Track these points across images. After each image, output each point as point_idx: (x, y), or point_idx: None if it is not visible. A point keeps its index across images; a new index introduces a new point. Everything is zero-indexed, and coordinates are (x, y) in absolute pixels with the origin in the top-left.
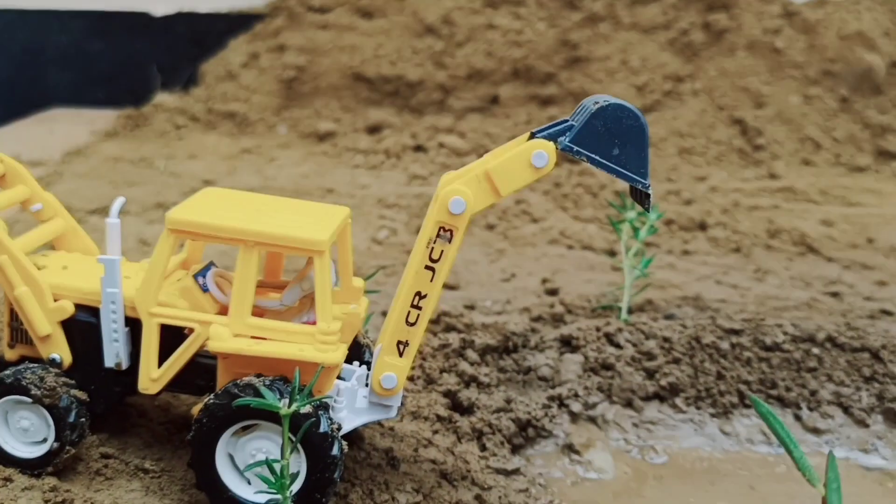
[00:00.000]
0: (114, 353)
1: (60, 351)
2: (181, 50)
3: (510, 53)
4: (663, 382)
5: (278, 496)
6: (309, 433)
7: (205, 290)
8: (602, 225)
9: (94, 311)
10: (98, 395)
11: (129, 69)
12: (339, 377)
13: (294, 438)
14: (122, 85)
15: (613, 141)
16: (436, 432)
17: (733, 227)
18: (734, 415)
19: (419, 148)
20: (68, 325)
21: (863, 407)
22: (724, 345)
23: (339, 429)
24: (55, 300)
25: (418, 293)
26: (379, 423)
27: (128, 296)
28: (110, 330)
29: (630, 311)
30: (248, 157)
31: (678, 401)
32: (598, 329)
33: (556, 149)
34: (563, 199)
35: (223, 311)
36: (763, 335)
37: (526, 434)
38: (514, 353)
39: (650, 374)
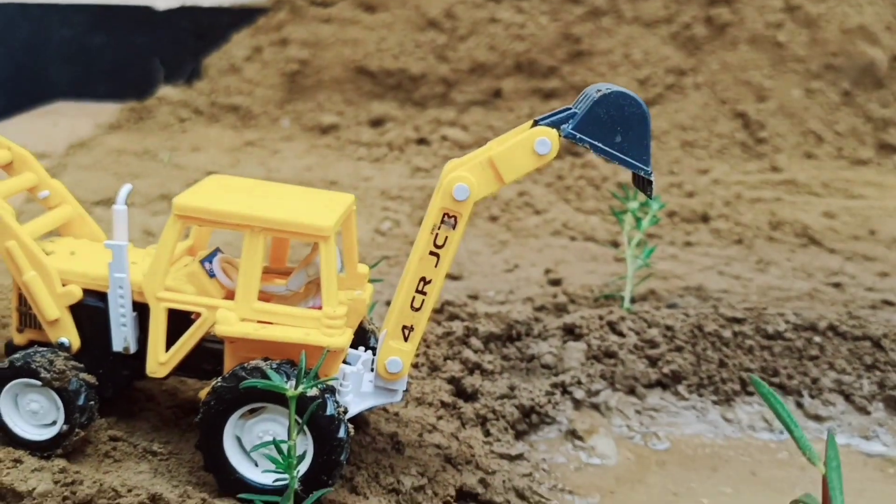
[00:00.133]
0: (122, 337)
1: (69, 335)
2: (184, 44)
3: (513, 47)
4: (666, 370)
5: (286, 476)
6: (316, 416)
7: (211, 275)
8: (604, 216)
9: (102, 296)
10: (106, 379)
11: (132, 63)
12: (344, 362)
13: (301, 420)
14: (124, 79)
15: (616, 128)
16: (440, 418)
17: (735, 219)
18: (736, 402)
19: (422, 141)
20: (76, 310)
21: (864, 394)
22: (727, 333)
23: (346, 412)
24: (63, 285)
25: (423, 279)
26: (384, 409)
27: (135, 281)
28: (118, 314)
29: (633, 301)
30: (251, 150)
31: (680, 388)
32: (601, 318)
33: (559, 136)
34: (566, 191)
35: (229, 296)
36: (765, 324)
37: (529, 420)
38: (517, 342)
39: (653, 362)
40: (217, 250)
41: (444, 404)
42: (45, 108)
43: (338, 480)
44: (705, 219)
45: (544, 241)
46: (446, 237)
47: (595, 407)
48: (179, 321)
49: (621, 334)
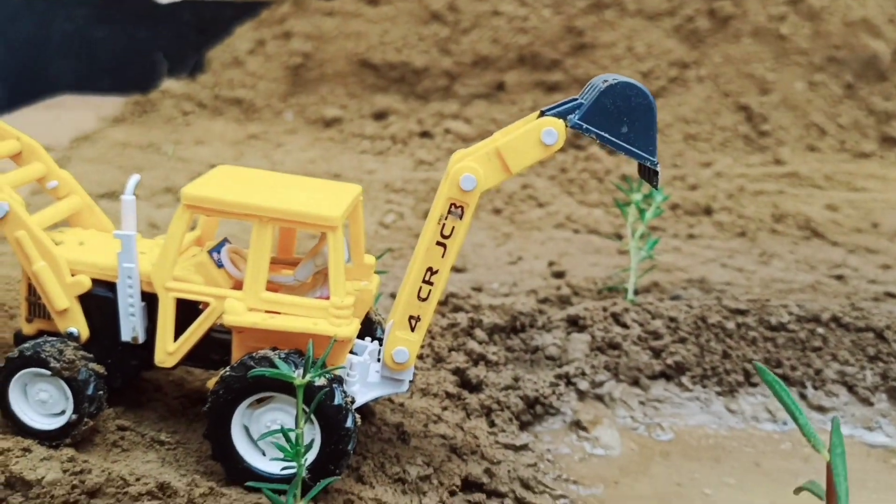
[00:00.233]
0: (130, 327)
1: (78, 325)
2: (187, 37)
3: (516, 40)
4: (669, 361)
5: (293, 465)
6: (323, 405)
7: (219, 265)
8: (608, 209)
9: (111, 286)
10: (115, 369)
11: (135, 56)
12: (351, 352)
13: (308, 410)
14: (128, 72)
15: (622, 119)
16: (445, 409)
17: (738, 211)
18: (740, 393)
19: (425, 134)
20: (85, 300)
21: (867, 385)
22: (730, 324)
23: (353, 402)
24: (72, 275)
25: (430, 269)
26: (389, 399)
27: (144, 271)
28: (127, 304)
29: (636, 293)
30: (254, 143)
31: (684, 379)
32: (604, 309)
33: (566, 126)
34: (569, 184)
35: (237, 286)
36: (768, 315)
37: (534, 411)
38: (521, 333)
39: (656, 353)
40: (225, 240)
41: (449, 395)
42: (49, 101)
43: (345, 470)
44: (708, 211)
45: (548, 233)
46: (453, 227)
47: (599, 398)
48: (188, 311)
49: (625, 326)
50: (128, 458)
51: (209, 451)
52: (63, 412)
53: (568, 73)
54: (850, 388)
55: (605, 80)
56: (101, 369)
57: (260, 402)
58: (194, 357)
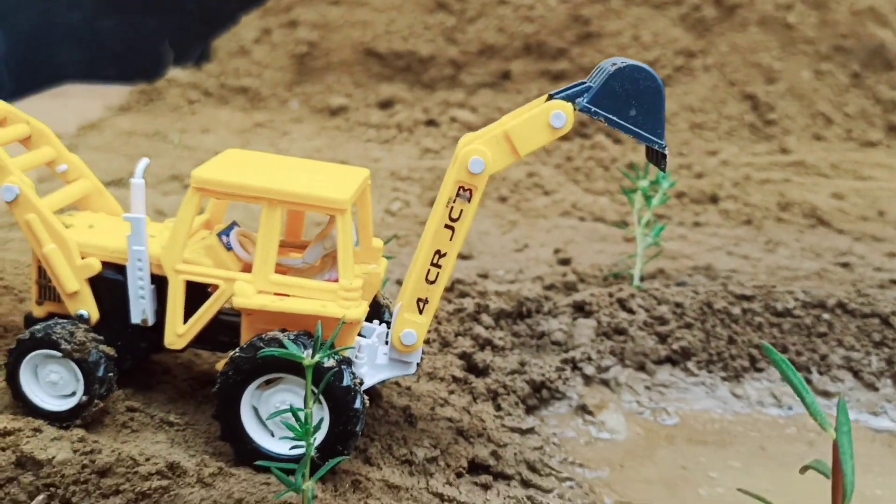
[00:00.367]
0: (140, 309)
1: (88, 307)
2: (193, 26)
3: (522, 29)
4: (675, 346)
5: (302, 444)
6: (332, 386)
7: (228, 248)
8: (613, 197)
9: (121, 269)
10: (125, 351)
11: (141, 45)
12: (359, 335)
13: (317, 391)
14: (134, 61)
15: (630, 102)
16: (452, 392)
17: (744, 199)
18: (745, 378)
19: (431, 122)
20: (95, 283)
21: (872, 371)
22: (736, 310)
23: (362, 383)
24: (82, 258)
25: (438, 252)
26: (396, 382)
27: (154, 253)
28: (136, 287)
29: (642, 279)
30: (260, 131)
31: (690, 364)
32: (610, 295)
33: (575, 110)
34: (575, 173)
35: (246, 269)
36: (774, 301)
37: (540, 395)
38: (527, 318)
39: (662, 339)
40: (234, 224)
41: (455, 379)
42: (55, 90)
43: (353, 451)
44: (714, 200)
45: (553, 221)
46: (461, 210)
47: (605, 383)
48: (197, 294)
49: (631, 311)
50: (137, 439)
51: (218, 432)
52: (73, 393)
53: (574, 62)
54: (856, 374)
55: (614, 64)
56: (111, 351)
57: (269, 383)
58: (203, 339)
